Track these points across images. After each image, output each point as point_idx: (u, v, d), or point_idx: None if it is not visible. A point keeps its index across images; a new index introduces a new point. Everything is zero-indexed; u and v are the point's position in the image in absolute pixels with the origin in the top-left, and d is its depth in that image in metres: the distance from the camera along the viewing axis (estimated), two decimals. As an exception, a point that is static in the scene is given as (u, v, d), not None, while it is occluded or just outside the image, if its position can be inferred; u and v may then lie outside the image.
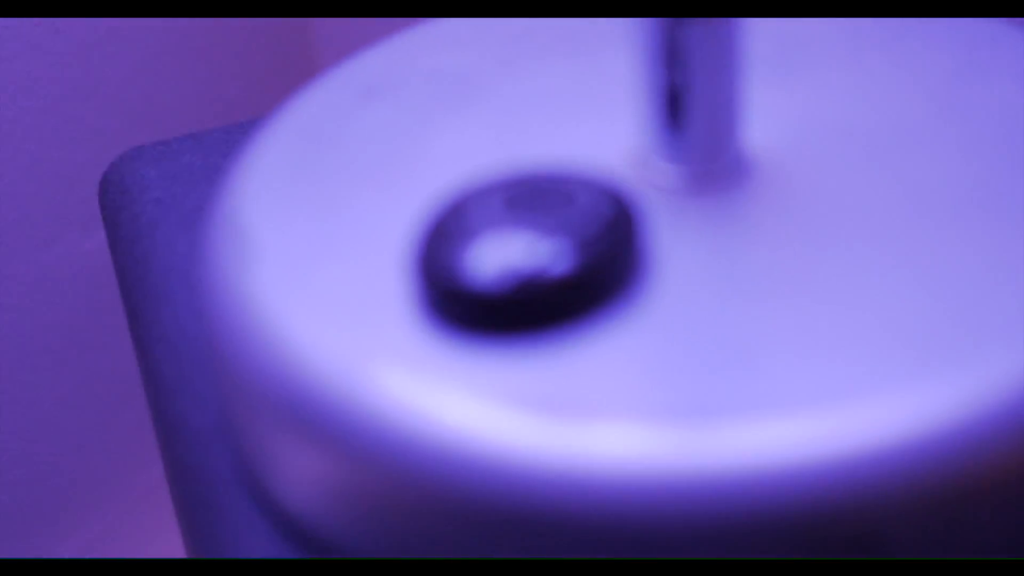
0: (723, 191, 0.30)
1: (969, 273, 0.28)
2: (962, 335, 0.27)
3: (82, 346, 0.51)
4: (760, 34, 0.32)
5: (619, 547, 0.25)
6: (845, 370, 0.26)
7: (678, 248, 0.29)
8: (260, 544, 0.29)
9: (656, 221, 0.29)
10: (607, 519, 0.25)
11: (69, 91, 0.48)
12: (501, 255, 0.27)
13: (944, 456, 0.25)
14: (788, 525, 0.25)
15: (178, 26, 0.50)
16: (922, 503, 0.25)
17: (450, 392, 0.26)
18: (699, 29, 0.29)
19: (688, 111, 0.30)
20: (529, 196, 0.28)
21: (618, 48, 0.33)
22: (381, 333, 0.27)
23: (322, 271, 0.29)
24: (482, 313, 0.27)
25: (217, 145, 0.39)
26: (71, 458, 0.52)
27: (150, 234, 0.37)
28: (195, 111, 0.51)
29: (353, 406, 0.27)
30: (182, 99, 0.51)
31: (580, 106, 0.33)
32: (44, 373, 0.50)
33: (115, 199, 0.39)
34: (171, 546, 0.52)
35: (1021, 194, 0.30)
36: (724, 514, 0.25)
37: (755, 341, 0.27)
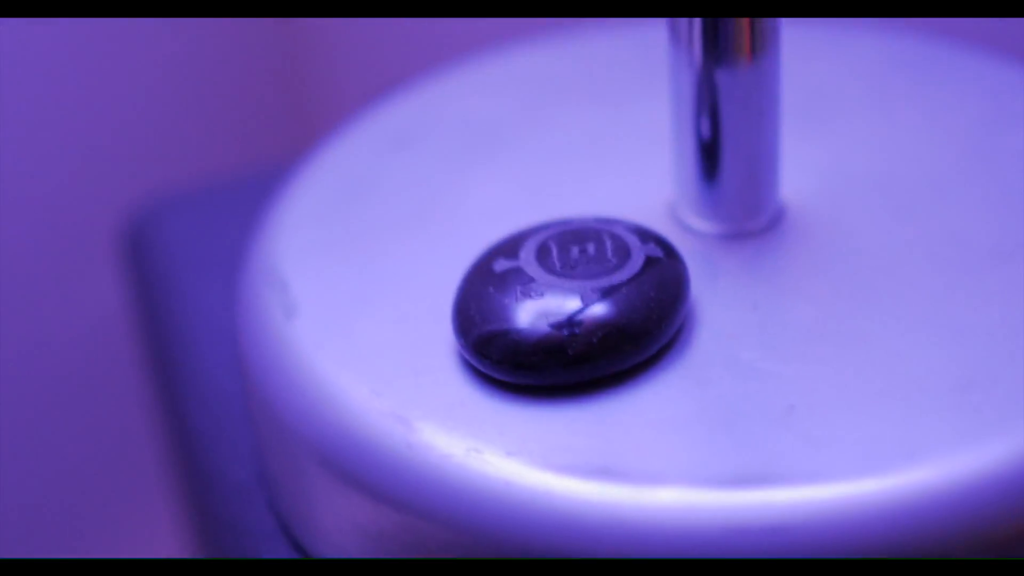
0: (759, 243, 0.30)
1: (1008, 326, 0.28)
2: (1008, 389, 0.27)
3: (86, 394, 0.51)
4: (789, 81, 0.32)
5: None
6: (891, 429, 0.26)
7: (716, 299, 0.29)
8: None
9: (694, 272, 0.29)
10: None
11: (76, 139, 0.48)
12: (542, 303, 0.27)
13: (997, 513, 0.25)
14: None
15: (183, 69, 0.50)
16: (969, 554, 0.25)
17: (495, 446, 0.26)
18: (737, 74, 0.29)
19: (724, 162, 0.30)
20: (572, 244, 0.28)
21: (651, 95, 0.33)
22: (425, 385, 0.27)
23: (362, 322, 0.29)
24: (523, 361, 0.27)
25: (241, 193, 0.38)
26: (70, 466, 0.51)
27: (179, 287, 0.36)
28: (204, 157, 0.51)
29: (398, 459, 0.26)
30: (189, 145, 0.51)
31: (612, 154, 0.33)
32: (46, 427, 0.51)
33: (141, 249, 0.39)
34: (169, 546, 0.52)
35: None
36: None
37: (802, 398, 0.27)
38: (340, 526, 0.28)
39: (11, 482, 0.51)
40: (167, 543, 0.52)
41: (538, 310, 0.27)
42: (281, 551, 0.30)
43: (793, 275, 0.30)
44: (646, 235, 0.29)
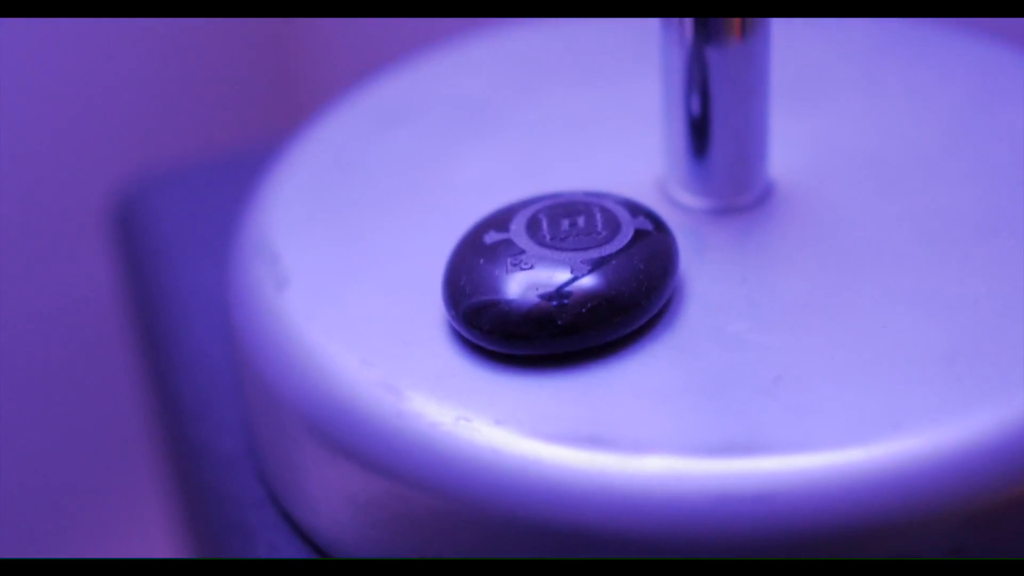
0: (749, 218, 0.30)
1: (993, 299, 0.28)
2: (991, 361, 0.27)
3: (78, 374, 0.51)
4: (778, 60, 0.32)
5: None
6: (876, 399, 0.26)
7: (705, 272, 0.29)
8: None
9: (684, 246, 0.29)
10: (642, 543, 0.25)
11: (65, 117, 0.48)
12: (532, 274, 0.27)
13: (980, 482, 0.25)
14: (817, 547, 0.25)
15: (172, 46, 0.50)
16: (953, 528, 0.25)
17: (484, 415, 0.26)
18: (726, 53, 0.29)
19: (713, 139, 0.30)
20: (562, 217, 0.29)
21: (640, 74, 0.33)
22: (415, 355, 0.27)
23: (353, 293, 0.29)
24: (512, 331, 0.27)
25: (231, 170, 0.39)
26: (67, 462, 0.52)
27: (169, 262, 0.37)
28: (192, 134, 0.51)
29: (388, 428, 0.27)
30: (179, 122, 0.51)
31: (604, 130, 0.33)
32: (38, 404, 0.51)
33: (130, 226, 0.39)
34: (158, 519, 0.52)
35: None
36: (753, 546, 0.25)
37: (788, 369, 0.27)
38: (329, 495, 0.28)
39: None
40: (156, 515, 0.52)
41: (528, 281, 0.28)
42: (270, 521, 0.30)
43: (781, 249, 0.30)
44: (636, 209, 0.29)
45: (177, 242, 0.37)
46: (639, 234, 0.28)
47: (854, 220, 0.30)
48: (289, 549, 0.29)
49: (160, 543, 0.52)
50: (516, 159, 0.32)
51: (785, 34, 0.33)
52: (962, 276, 0.29)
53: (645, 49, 0.32)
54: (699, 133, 0.30)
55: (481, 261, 0.28)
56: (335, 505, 0.28)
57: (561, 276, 0.28)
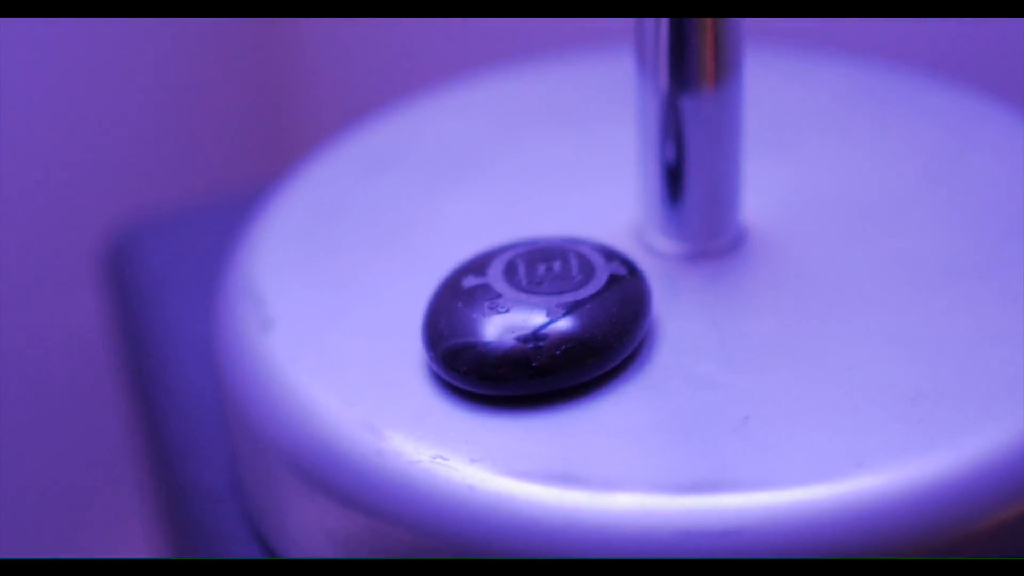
0: (721, 262, 0.31)
1: (958, 342, 0.29)
2: (953, 402, 0.28)
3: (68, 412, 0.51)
4: (752, 107, 0.33)
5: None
6: (840, 438, 0.27)
7: (678, 315, 0.30)
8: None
9: (657, 290, 0.30)
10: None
11: (58, 159, 0.49)
12: (508, 317, 0.28)
13: (936, 522, 0.26)
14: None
15: (165, 91, 0.51)
16: (913, 559, 0.26)
17: (461, 453, 0.27)
18: (700, 101, 0.30)
19: (687, 185, 0.31)
20: (538, 262, 0.29)
21: (619, 121, 0.34)
22: (395, 396, 0.28)
23: (335, 335, 0.30)
24: (489, 372, 0.28)
25: (221, 214, 0.40)
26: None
27: (159, 303, 0.37)
28: (183, 178, 0.52)
29: (368, 466, 0.27)
30: (170, 166, 0.52)
31: (581, 177, 0.34)
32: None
33: (122, 268, 0.40)
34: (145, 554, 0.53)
35: (1007, 264, 0.31)
36: None
37: (756, 409, 0.28)
38: (311, 531, 0.29)
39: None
40: (143, 552, 0.52)
41: (504, 324, 0.28)
42: (256, 554, 0.30)
43: (753, 293, 0.31)
44: (611, 254, 0.30)
45: (167, 284, 0.38)
46: (613, 279, 0.29)
47: (824, 264, 0.31)
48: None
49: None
50: (496, 205, 0.33)
51: (760, 82, 0.34)
52: (927, 319, 0.30)
53: (623, 95, 0.33)
54: (673, 179, 0.31)
55: (459, 304, 0.29)
56: (317, 541, 0.29)
57: (537, 319, 0.28)
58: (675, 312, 0.30)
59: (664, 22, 0.29)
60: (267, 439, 0.29)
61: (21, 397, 0.50)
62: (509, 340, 0.28)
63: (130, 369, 0.39)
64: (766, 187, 0.33)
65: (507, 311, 0.29)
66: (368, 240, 0.32)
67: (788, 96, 0.36)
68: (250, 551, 0.31)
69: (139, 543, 0.52)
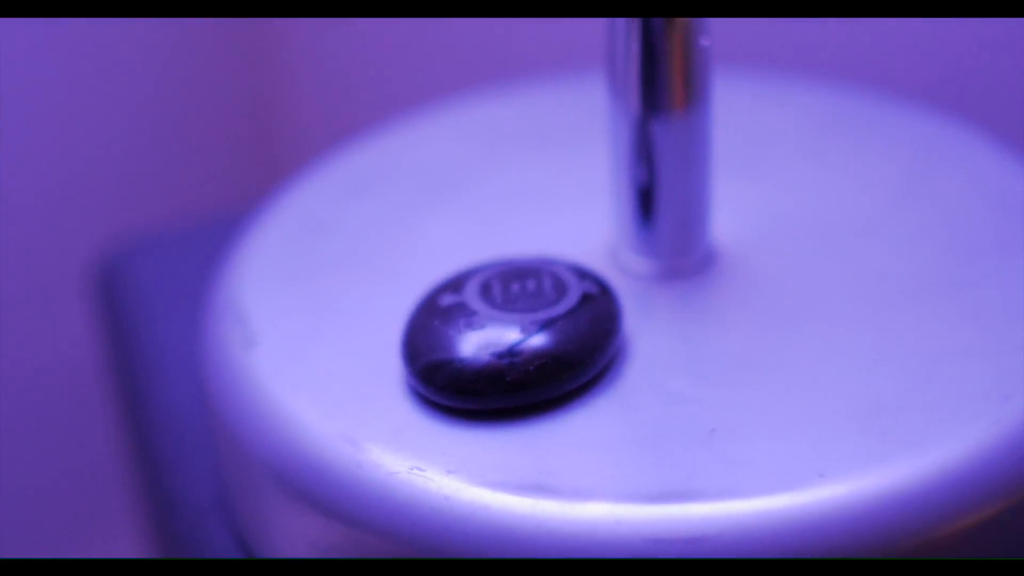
0: (692, 280, 0.32)
1: (920, 357, 0.30)
2: (913, 415, 0.29)
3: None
4: (724, 127, 0.34)
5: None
6: (803, 450, 0.28)
7: (649, 332, 0.31)
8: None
9: (628, 306, 0.31)
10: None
11: (49, 180, 0.50)
12: (483, 334, 0.29)
13: (898, 529, 0.27)
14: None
15: (155, 115, 0.51)
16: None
17: (437, 465, 0.28)
18: (670, 125, 0.31)
19: (658, 207, 0.32)
20: (513, 281, 0.30)
21: (593, 144, 0.35)
22: (374, 409, 0.29)
23: (317, 352, 0.31)
24: (465, 387, 0.29)
25: (208, 235, 0.40)
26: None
27: (146, 322, 0.38)
28: (175, 199, 0.53)
29: (348, 478, 0.28)
30: (158, 189, 0.52)
31: (557, 200, 0.35)
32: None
33: (111, 288, 0.41)
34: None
35: (970, 283, 0.32)
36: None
37: (723, 422, 0.29)
38: (294, 540, 0.30)
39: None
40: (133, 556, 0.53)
41: (480, 341, 0.29)
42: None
43: (722, 310, 0.32)
44: (583, 273, 0.31)
45: (155, 302, 0.39)
46: (585, 297, 0.30)
47: (792, 283, 0.32)
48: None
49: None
50: (473, 225, 0.34)
51: (732, 105, 0.35)
52: (891, 335, 0.31)
53: (596, 120, 0.34)
54: (645, 199, 0.32)
55: (436, 322, 0.30)
56: (299, 550, 0.30)
57: (511, 336, 0.29)
58: (646, 329, 0.31)
59: (635, 48, 0.31)
60: (251, 451, 0.30)
61: (12, 410, 0.51)
62: (484, 356, 0.29)
63: (119, 384, 0.40)
64: (737, 207, 0.34)
65: (482, 328, 0.30)
66: (349, 260, 0.33)
67: (759, 119, 0.37)
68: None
69: (128, 552, 0.53)
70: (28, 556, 0.53)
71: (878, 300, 0.32)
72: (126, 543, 0.53)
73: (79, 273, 0.48)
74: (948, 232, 0.33)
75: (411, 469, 0.28)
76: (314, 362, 0.31)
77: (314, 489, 0.29)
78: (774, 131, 0.37)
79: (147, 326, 0.39)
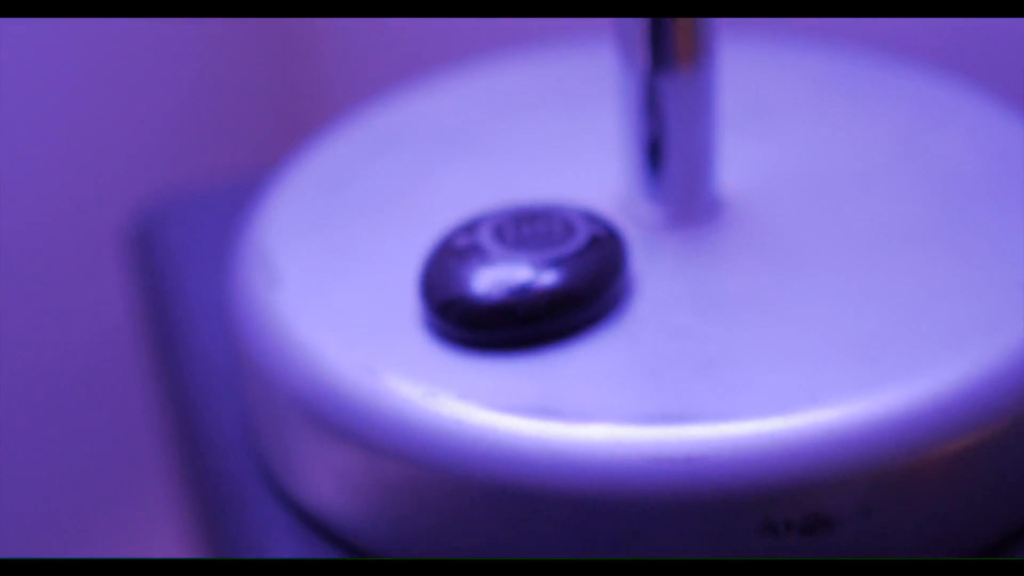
0: (698, 227, 0.34)
1: (912, 296, 0.32)
2: (905, 347, 0.30)
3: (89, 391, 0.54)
4: (733, 86, 0.36)
5: (595, 526, 0.28)
6: (798, 378, 0.30)
7: (656, 274, 0.32)
8: (284, 538, 0.32)
9: (637, 250, 0.33)
10: (585, 501, 0.28)
11: (81, 142, 0.51)
12: (496, 272, 0.31)
13: (882, 452, 0.29)
14: (740, 505, 0.28)
15: (185, 76, 0.53)
16: (860, 489, 0.29)
17: (450, 391, 0.30)
18: (676, 81, 0.33)
19: (666, 158, 0.34)
20: (524, 224, 0.32)
21: (605, 104, 0.37)
22: (391, 343, 0.31)
23: (339, 292, 0.32)
24: (478, 321, 0.30)
25: (239, 193, 0.42)
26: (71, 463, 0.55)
27: (180, 279, 0.40)
28: (206, 159, 0.54)
29: (366, 404, 0.30)
30: (192, 148, 0.54)
31: (570, 154, 0.37)
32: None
33: (146, 247, 0.42)
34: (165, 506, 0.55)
35: (964, 229, 0.33)
36: (687, 497, 0.28)
37: (722, 354, 0.30)
38: (314, 466, 0.31)
39: (18, 457, 0.54)
40: (163, 504, 0.55)
41: (493, 279, 0.31)
42: (266, 498, 0.33)
43: (725, 254, 0.33)
44: (592, 218, 0.33)
45: (188, 259, 0.41)
46: (594, 239, 0.32)
47: (793, 230, 0.34)
48: (284, 524, 0.33)
49: (167, 527, 0.55)
50: (489, 178, 0.36)
51: (740, 66, 0.37)
52: (886, 277, 0.32)
53: (608, 80, 0.36)
54: (653, 151, 0.34)
55: (452, 261, 0.32)
56: (320, 476, 0.31)
57: (523, 274, 0.31)
58: (652, 271, 0.33)
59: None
60: (274, 383, 0.32)
61: (51, 372, 0.53)
62: (497, 292, 0.31)
63: (153, 338, 0.41)
64: (742, 161, 0.36)
65: (495, 266, 0.31)
66: (369, 209, 0.35)
67: (765, 78, 0.39)
68: (262, 493, 0.33)
69: (161, 498, 0.55)
70: (63, 496, 0.54)
71: (875, 245, 0.33)
72: (160, 487, 0.55)
73: (113, 235, 0.50)
74: (945, 183, 0.35)
75: (424, 395, 0.30)
76: (335, 300, 0.32)
77: (333, 415, 0.30)
78: (779, 89, 0.38)
79: (180, 281, 0.40)
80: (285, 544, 0.32)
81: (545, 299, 0.31)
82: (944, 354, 0.30)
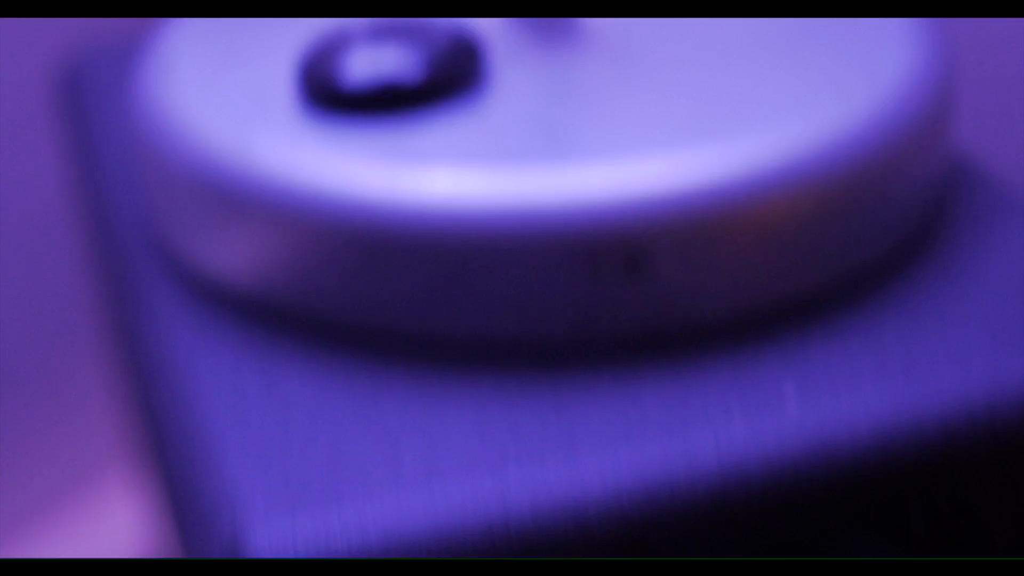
0: (556, 39, 0.37)
1: (755, 83, 0.35)
2: (734, 120, 0.34)
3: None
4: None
5: (434, 267, 0.32)
6: (633, 137, 0.33)
7: (513, 72, 0.36)
8: (168, 296, 0.36)
9: (497, 52, 0.36)
10: (437, 243, 0.32)
11: None
12: (365, 65, 0.35)
13: (704, 204, 0.32)
14: (576, 245, 0.32)
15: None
16: (683, 236, 0.32)
17: (320, 153, 0.33)
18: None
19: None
20: (392, 31, 0.36)
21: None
22: (270, 120, 0.35)
23: (224, 83, 0.36)
24: (348, 108, 0.34)
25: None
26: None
27: (100, 119, 0.44)
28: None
29: (244, 167, 0.34)
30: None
31: None
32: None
33: (70, 96, 0.46)
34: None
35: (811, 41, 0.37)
36: (529, 237, 0.32)
37: (569, 123, 0.34)
38: (205, 240, 0.35)
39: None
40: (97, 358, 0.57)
41: (360, 69, 0.35)
42: (162, 263, 0.37)
43: (583, 56, 0.37)
44: (454, 25, 0.36)
45: (109, 105, 0.45)
46: (456, 40, 0.36)
47: (647, 45, 0.37)
48: (173, 285, 0.36)
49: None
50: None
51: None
52: (732, 73, 0.36)
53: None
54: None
55: (328, 58, 0.35)
56: (211, 246, 0.35)
57: (390, 66, 0.35)
58: (511, 68, 0.36)
59: None
60: (167, 161, 0.35)
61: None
62: (365, 79, 0.34)
63: (75, 177, 0.45)
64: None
65: (365, 60, 0.35)
66: (254, 28, 0.39)
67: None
68: (157, 261, 0.37)
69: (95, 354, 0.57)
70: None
71: (724, 54, 0.37)
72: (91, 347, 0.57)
73: (36, 87, 0.53)
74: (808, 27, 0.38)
75: (293, 156, 0.33)
76: (221, 88, 0.36)
77: (213, 184, 0.34)
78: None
79: (99, 123, 0.44)
80: (181, 312, 0.35)
81: (407, 87, 0.34)
82: (766, 121, 0.34)
